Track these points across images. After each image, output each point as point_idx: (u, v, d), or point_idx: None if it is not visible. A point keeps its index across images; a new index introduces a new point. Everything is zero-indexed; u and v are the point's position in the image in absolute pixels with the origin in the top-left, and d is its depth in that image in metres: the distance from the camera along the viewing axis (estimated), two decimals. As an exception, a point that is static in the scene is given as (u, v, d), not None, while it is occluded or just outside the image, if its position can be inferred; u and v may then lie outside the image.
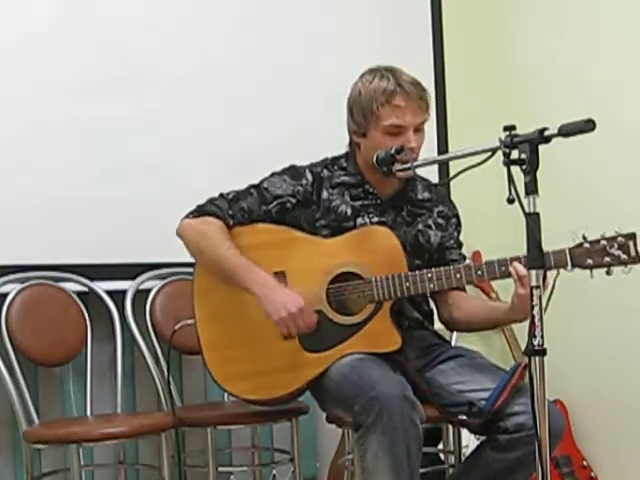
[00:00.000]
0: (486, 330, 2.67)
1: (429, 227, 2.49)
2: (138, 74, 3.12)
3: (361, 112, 2.37)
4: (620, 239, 2.09)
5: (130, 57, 3.12)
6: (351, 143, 2.48)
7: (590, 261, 2.12)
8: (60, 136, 3.00)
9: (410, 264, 2.35)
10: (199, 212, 2.45)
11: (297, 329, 2.27)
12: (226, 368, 2.41)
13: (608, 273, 2.10)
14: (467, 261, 2.58)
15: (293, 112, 3.36)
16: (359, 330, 2.33)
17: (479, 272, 2.24)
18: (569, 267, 2.14)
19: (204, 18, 3.28)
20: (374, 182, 2.44)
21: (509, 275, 2.20)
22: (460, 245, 2.57)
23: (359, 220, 2.42)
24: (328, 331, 2.33)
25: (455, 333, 3.13)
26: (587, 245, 2.12)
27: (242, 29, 3.33)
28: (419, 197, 2.50)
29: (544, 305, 1.85)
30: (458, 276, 2.26)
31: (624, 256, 2.08)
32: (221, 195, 2.47)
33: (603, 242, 2.11)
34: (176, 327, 2.55)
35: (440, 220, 2.51)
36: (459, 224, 2.58)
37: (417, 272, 2.29)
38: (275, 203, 2.42)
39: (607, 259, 2.10)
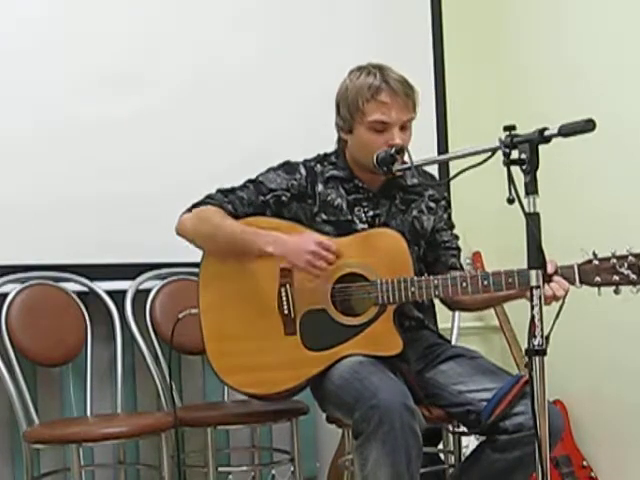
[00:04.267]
0: (487, 309, 2.67)
1: (422, 212, 2.50)
2: (138, 74, 3.12)
3: (347, 108, 2.39)
4: (631, 258, 2.09)
5: (130, 56, 3.12)
6: (339, 140, 2.50)
7: (598, 279, 2.11)
8: (60, 136, 3.00)
9: (410, 252, 2.35)
10: (194, 207, 2.46)
11: (327, 262, 2.26)
12: (226, 360, 2.41)
13: (616, 292, 2.09)
14: (461, 246, 2.59)
15: (293, 112, 3.36)
16: (361, 332, 2.32)
17: (485, 282, 2.23)
18: (577, 284, 2.14)
19: (204, 18, 3.27)
20: (362, 176, 2.46)
21: (514, 287, 2.20)
22: (451, 226, 2.57)
23: (355, 214, 2.42)
24: (330, 330, 2.33)
25: (455, 333, 3.15)
26: (596, 262, 2.12)
27: (242, 29, 3.33)
28: (409, 183, 2.51)
29: (554, 318, 1.86)
30: (464, 284, 2.24)
31: (633, 276, 2.08)
32: (218, 190, 2.48)
33: (613, 260, 2.10)
34: (180, 315, 2.55)
35: (431, 204, 2.52)
36: (449, 206, 2.59)
37: (423, 278, 2.29)
38: (271, 195, 2.43)
39: (616, 278, 2.09)
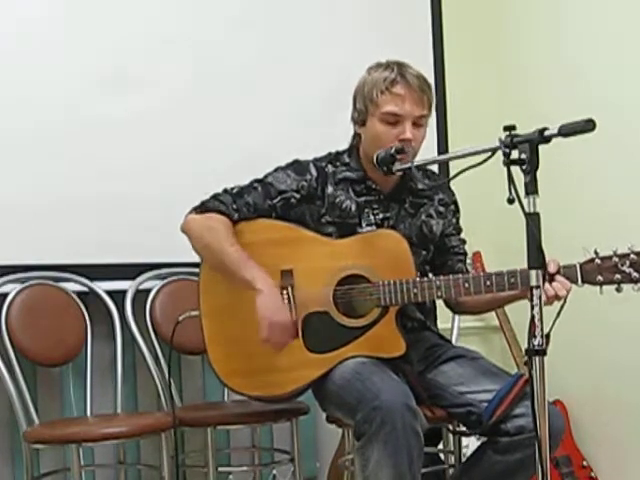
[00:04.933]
0: (490, 311, 2.67)
1: (431, 216, 2.49)
2: (138, 74, 3.12)
3: (362, 100, 2.39)
4: (632, 257, 2.09)
5: (130, 56, 3.13)
6: (354, 136, 2.49)
7: (600, 277, 2.11)
8: (60, 136, 3.00)
9: (417, 256, 2.35)
10: (203, 208, 2.43)
11: (277, 341, 2.27)
12: (228, 363, 2.40)
13: (618, 290, 2.09)
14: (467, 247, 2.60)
15: (293, 112, 3.37)
16: (364, 333, 2.31)
17: (487, 283, 2.22)
18: (579, 283, 2.14)
19: (204, 18, 3.28)
20: (376, 177, 2.44)
21: (517, 287, 2.20)
22: (459, 231, 2.58)
23: (364, 216, 2.42)
24: (333, 333, 2.32)
25: (455, 333, 3.15)
26: (598, 261, 2.12)
27: (242, 29, 3.33)
28: (419, 186, 2.50)
29: (555, 317, 1.86)
30: (466, 285, 2.24)
31: (635, 274, 2.08)
32: (225, 190, 2.45)
33: (615, 259, 2.10)
34: (180, 318, 2.55)
35: (441, 208, 2.52)
36: (457, 210, 2.59)
37: (425, 279, 2.29)
38: (279, 198, 2.41)
39: (618, 276, 2.09)
